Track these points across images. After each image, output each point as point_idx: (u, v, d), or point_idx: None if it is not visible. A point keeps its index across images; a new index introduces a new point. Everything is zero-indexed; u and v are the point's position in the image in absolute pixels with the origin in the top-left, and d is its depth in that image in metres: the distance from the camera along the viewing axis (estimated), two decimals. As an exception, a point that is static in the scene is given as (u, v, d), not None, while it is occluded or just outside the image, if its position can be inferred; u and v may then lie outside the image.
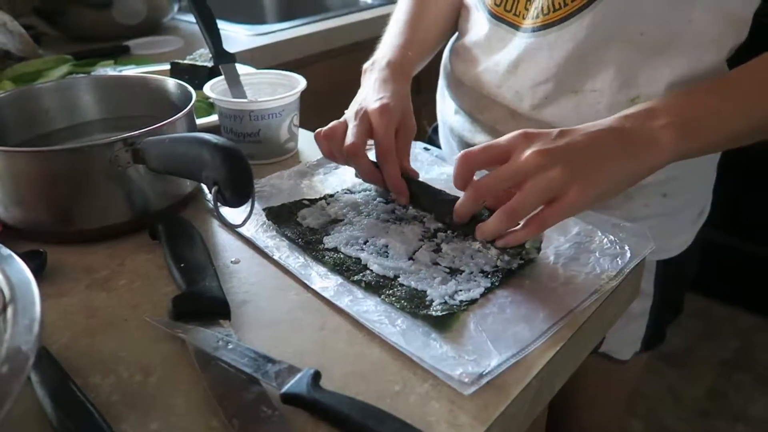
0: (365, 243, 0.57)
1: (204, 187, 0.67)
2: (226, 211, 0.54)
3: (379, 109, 0.63)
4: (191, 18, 1.42)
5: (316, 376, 0.42)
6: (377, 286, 0.52)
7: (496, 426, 0.41)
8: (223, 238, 0.60)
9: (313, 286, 0.52)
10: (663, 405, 1.66)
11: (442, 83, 0.87)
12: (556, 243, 0.57)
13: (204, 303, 0.48)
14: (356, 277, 0.53)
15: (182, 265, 0.52)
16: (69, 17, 1.27)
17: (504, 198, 0.52)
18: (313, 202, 0.65)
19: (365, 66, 0.74)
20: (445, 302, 0.49)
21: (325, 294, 0.51)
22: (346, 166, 0.70)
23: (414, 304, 0.49)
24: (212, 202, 0.49)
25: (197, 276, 0.51)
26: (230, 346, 0.44)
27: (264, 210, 0.62)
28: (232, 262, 0.56)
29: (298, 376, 0.42)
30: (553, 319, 0.48)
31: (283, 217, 0.62)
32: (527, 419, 0.46)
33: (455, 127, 0.82)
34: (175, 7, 1.37)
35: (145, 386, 0.43)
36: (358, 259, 0.55)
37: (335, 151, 0.64)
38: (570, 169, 0.49)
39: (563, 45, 0.66)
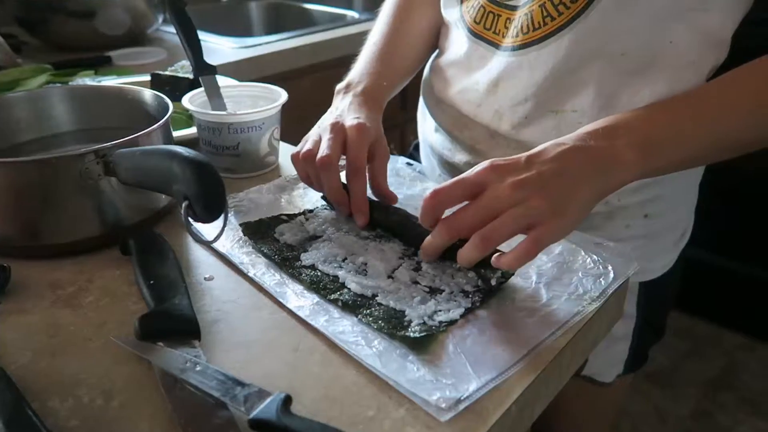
0: (344, 260, 0.56)
1: (178, 201, 0.66)
2: (199, 227, 0.53)
3: (356, 126, 0.62)
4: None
5: (287, 400, 0.40)
6: (354, 306, 0.50)
7: (474, 454, 0.39)
8: (197, 253, 0.59)
9: (288, 305, 0.51)
10: (648, 425, 1.64)
11: (422, 101, 0.86)
12: (539, 262, 0.56)
13: (172, 322, 0.46)
14: (333, 295, 0.51)
15: (152, 282, 0.51)
16: (51, 26, 1.25)
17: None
18: (291, 217, 0.63)
19: (338, 87, 0.73)
20: (424, 323, 0.48)
21: (301, 313, 0.50)
22: None
23: (391, 325, 0.47)
24: (183, 217, 0.47)
25: (167, 293, 0.49)
26: (198, 368, 0.43)
27: (240, 225, 0.61)
28: (205, 278, 0.55)
29: (268, 400, 0.40)
30: (535, 341, 0.47)
31: (260, 232, 0.60)
32: (507, 446, 0.44)
33: (435, 145, 0.81)
34: (159, 19, 1.35)
35: (107, 410, 0.41)
36: (336, 277, 0.53)
37: (311, 175, 0.63)
38: (545, 198, 0.49)
39: (543, 64, 0.66)
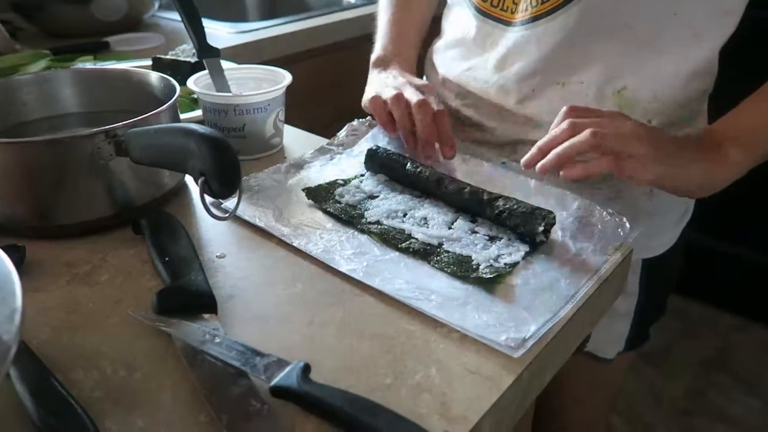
0: (404, 215, 0.60)
1: (190, 179, 0.67)
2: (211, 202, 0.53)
3: (426, 84, 0.70)
4: (173, 15, 1.41)
5: (306, 369, 0.41)
6: (425, 253, 0.54)
7: (488, 418, 0.40)
8: (208, 232, 0.59)
9: (340, 269, 0.53)
10: (643, 404, 1.67)
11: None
12: (559, 218, 0.59)
13: (190, 297, 0.47)
14: (403, 245, 0.56)
15: (167, 259, 0.51)
16: (47, 13, 1.24)
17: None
18: (346, 182, 0.67)
19: (374, 59, 0.79)
20: (491, 265, 0.53)
21: (355, 275, 0.52)
22: (342, 157, 0.71)
23: (463, 269, 0.52)
24: (199, 194, 0.48)
25: (183, 270, 0.50)
26: (217, 340, 0.44)
27: (303, 190, 0.64)
28: (217, 256, 0.55)
29: (288, 369, 0.41)
30: (575, 287, 0.51)
31: (321, 196, 0.63)
32: (518, 412, 0.45)
33: None
34: (156, 4, 1.35)
35: (130, 382, 0.42)
36: (402, 229, 0.58)
37: (398, 115, 0.67)
38: (653, 146, 0.56)
39: (551, 37, 0.67)
